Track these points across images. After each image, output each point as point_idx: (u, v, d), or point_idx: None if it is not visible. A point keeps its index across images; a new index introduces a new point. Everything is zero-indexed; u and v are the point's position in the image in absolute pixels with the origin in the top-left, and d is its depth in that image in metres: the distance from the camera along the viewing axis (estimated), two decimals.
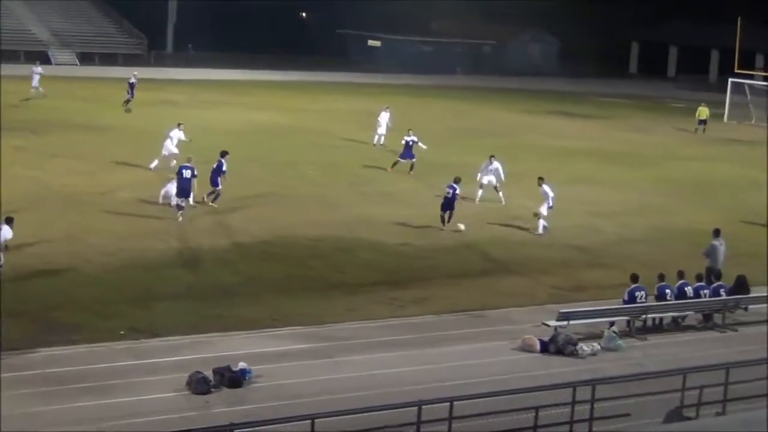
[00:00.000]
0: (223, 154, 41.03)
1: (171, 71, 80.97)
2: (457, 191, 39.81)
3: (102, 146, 52.30)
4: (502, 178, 45.24)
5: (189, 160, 39.63)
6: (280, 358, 25.42)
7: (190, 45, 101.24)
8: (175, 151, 46.68)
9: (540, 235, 39.47)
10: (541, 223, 39.77)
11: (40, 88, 68.60)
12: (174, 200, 38.55)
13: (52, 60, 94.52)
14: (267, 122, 62.93)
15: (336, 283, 32.48)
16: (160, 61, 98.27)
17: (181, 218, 38.11)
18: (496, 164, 45.46)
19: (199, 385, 22.91)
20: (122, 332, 26.50)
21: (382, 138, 55.23)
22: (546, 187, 40.35)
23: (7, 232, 31.01)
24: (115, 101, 69.13)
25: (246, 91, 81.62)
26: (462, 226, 39.09)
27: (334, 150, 55.00)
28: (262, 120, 64.02)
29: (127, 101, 67.03)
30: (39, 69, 70.29)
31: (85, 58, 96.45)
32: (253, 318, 28.33)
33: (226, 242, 36.15)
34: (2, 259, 30.16)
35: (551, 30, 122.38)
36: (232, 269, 33.24)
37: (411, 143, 49.97)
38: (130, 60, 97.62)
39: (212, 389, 23.03)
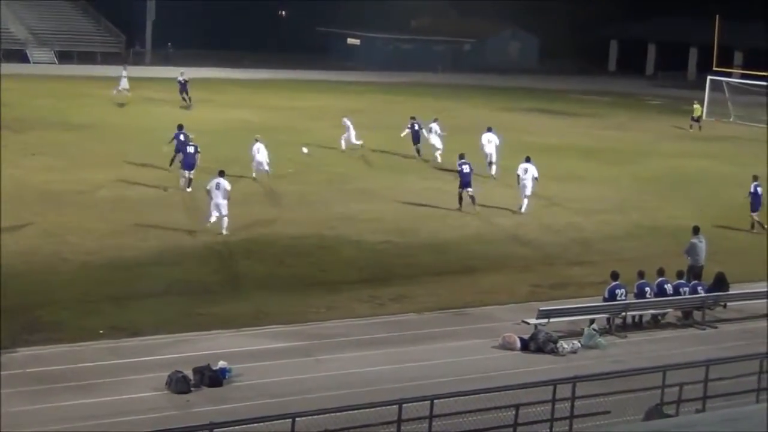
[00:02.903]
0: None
1: (149, 69, 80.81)
2: (471, 166, 42.73)
3: (80, 144, 52.24)
4: (497, 143, 49.29)
5: (191, 139, 44.18)
6: (261, 357, 25.42)
7: (169, 43, 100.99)
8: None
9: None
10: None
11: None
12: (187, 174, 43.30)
13: (30, 59, 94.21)
14: (246, 120, 62.82)
15: (317, 281, 32.46)
16: (139, 60, 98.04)
17: (189, 189, 42.44)
18: (491, 135, 49.31)
19: (179, 385, 22.88)
20: (101, 331, 26.44)
21: (438, 154, 52.35)
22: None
23: (227, 184, 36.69)
24: (94, 99, 69.15)
25: (225, 89, 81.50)
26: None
27: (313, 148, 54.89)
28: (241, 118, 63.92)
29: (184, 98, 68.92)
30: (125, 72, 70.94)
31: (64, 57, 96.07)
32: (233, 316, 28.29)
33: (207, 240, 36.08)
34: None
35: (530, 27, 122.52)
36: (212, 267, 33.23)
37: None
38: (109, 58, 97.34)
39: (192, 388, 23.03)
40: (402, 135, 54.21)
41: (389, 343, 27.06)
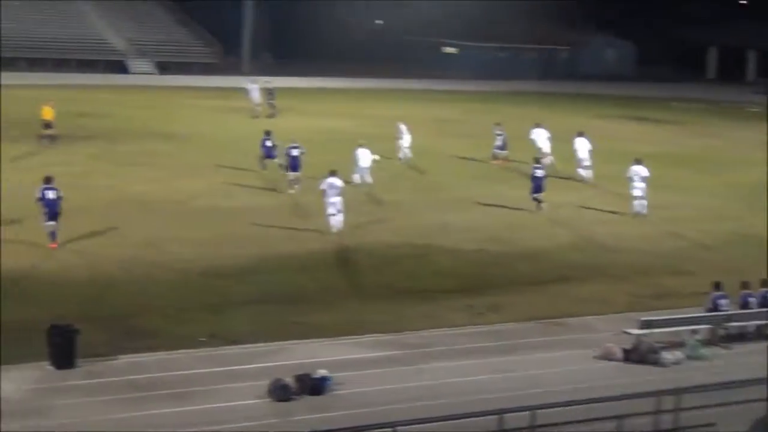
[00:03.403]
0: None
1: (246, 80, 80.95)
2: (544, 171, 44.02)
3: (177, 154, 52.61)
4: (590, 147, 50.55)
5: (294, 141, 45.51)
6: (360, 366, 25.38)
7: (266, 53, 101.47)
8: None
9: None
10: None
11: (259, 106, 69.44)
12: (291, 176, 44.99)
13: (130, 69, 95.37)
14: (340, 129, 62.90)
15: (412, 289, 32.37)
16: (236, 69, 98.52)
17: (293, 190, 44.23)
18: (583, 140, 50.73)
19: (280, 393, 22.92)
20: (203, 339, 26.57)
21: (549, 158, 51.81)
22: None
23: (340, 182, 38.45)
24: (191, 109, 69.83)
25: (320, 98, 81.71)
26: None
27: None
28: (335, 127, 64.01)
29: (272, 105, 69.25)
30: (255, 85, 70.73)
31: (162, 67, 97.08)
32: (331, 325, 28.31)
33: (303, 249, 36.18)
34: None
35: (627, 34, 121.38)
36: (309, 276, 33.25)
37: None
38: (207, 69, 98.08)
39: (293, 396, 23.04)
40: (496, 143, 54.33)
41: (487, 353, 26.88)
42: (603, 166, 50.01)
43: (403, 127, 54.31)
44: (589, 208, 44.40)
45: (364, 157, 46.45)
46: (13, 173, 43.65)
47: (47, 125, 53.58)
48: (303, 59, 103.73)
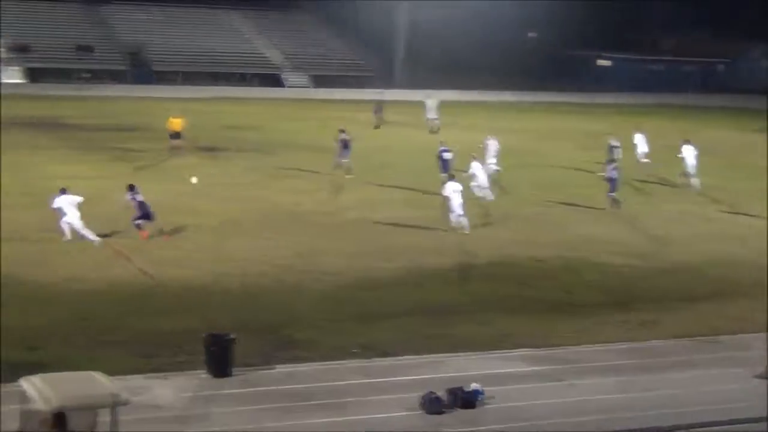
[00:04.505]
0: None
1: (398, 93, 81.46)
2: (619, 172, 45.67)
3: (328, 166, 52.99)
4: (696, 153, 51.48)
5: (443, 143, 48.75)
6: (511, 380, 25.30)
7: (420, 67, 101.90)
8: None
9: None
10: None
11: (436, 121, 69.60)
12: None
13: (285, 83, 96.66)
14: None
15: (562, 303, 32.18)
16: (389, 83, 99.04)
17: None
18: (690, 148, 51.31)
19: (432, 405, 22.96)
20: (355, 350, 26.78)
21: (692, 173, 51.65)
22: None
23: (460, 186, 40.56)
24: (343, 122, 70.32)
25: (471, 112, 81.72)
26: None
27: (555, 170, 54.61)
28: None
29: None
30: (430, 100, 71.06)
31: (317, 81, 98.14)
32: (480, 338, 28.26)
33: (451, 262, 36.25)
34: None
35: None
36: (458, 288, 33.29)
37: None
38: (361, 82, 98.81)
39: (445, 409, 23.06)
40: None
41: (641, 370, 26.50)
42: (749, 181, 49.12)
43: (488, 142, 52.24)
44: (740, 214, 44.53)
45: (480, 172, 45.31)
46: (171, 184, 44.73)
47: (175, 135, 54.51)
48: (457, 73, 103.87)
